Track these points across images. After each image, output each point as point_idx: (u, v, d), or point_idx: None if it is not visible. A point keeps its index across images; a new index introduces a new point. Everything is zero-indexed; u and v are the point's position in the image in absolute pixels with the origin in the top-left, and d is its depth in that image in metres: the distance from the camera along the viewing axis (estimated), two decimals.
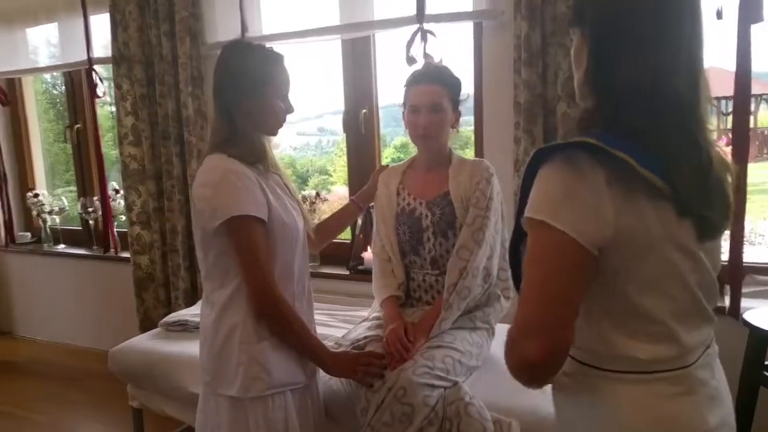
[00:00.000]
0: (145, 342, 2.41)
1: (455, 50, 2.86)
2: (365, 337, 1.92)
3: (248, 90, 1.60)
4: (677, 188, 0.92)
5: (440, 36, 2.70)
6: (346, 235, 3.24)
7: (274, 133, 1.74)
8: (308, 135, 4.22)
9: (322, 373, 1.77)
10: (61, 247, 4.13)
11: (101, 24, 3.57)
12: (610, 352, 1.00)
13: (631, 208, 0.92)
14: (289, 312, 1.61)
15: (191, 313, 2.58)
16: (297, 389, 1.68)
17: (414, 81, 1.92)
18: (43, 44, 4.13)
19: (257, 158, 1.65)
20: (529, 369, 0.93)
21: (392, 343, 1.81)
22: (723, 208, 1.00)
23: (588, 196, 0.91)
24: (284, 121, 1.71)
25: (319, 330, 2.37)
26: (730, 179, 1.02)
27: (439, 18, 2.72)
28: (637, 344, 0.98)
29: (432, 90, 1.88)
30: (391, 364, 1.77)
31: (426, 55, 2.73)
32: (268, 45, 3.14)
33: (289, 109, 1.69)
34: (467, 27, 2.81)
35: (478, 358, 1.91)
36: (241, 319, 1.60)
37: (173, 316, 2.57)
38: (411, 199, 2.01)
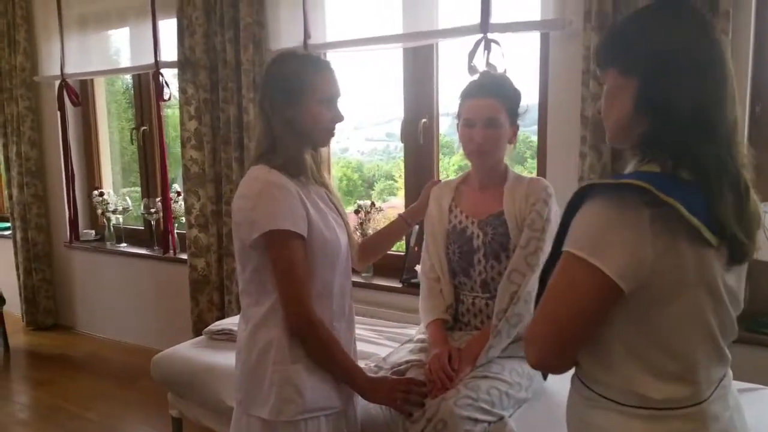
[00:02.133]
0: (187, 350, 2.40)
1: (521, 60, 2.74)
2: (407, 362, 1.82)
3: (287, 97, 1.54)
4: (721, 215, 0.95)
5: (505, 46, 2.58)
6: (400, 246, 3.17)
7: (322, 144, 1.67)
8: (376, 140, 4.20)
9: (361, 398, 1.69)
10: (123, 246, 4.24)
11: (170, 29, 3.63)
12: (625, 387, 1.02)
13: (671, 252, 0.95)
14: (325, 334, 1.54)
15: (236, 322, 2.54)
16: (332, 414, 1.60)
17: (469, 93, 1.81)
18: (115, 48, 4.25)
19: (299, 170, 1.58)
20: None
21: (435, 370, 1.71)
22: (754, 234, 1.03)
23: (629, 237, 0.94)
24: (332, 130, 1.63)
25: (364, 348, 2.31)
26: (758, 206, 1.05)
27: (504, 27, 2.61)
28: (652, 382, 1.00)
29: (488, 104, 1.77)
30: (433, 393, 1.67)
31: (488, 65, 2.62)
32: (330, 52, 3.21)
33: (336, 118, 1.61)
34: (534, 37, 2.68)
35: (527, 390, 1.78)
36: (275, 338, 1.53)
37: (218, 325, 2.55)
38: (463, 217, 1.90)
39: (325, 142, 1.67)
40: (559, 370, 1.10)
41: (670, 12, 1.03)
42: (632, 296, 0.96)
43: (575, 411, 1.15)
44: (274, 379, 1.53)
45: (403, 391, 1.64)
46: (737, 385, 1.88)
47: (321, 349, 1.54)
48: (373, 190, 4.02)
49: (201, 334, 2.62)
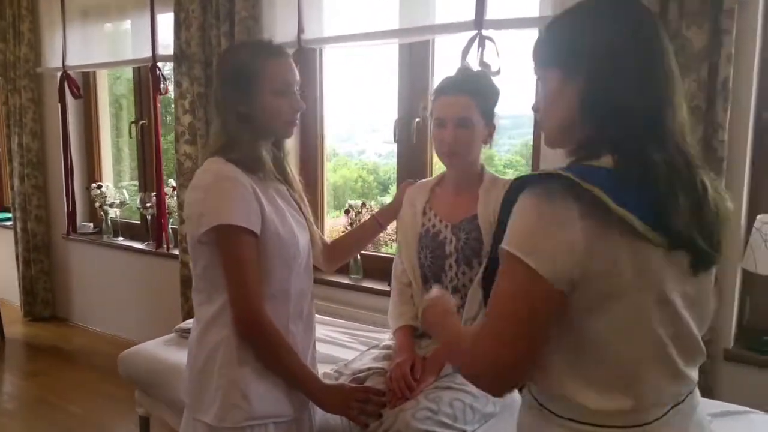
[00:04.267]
0: (154, 347, 2.34)
1: (517, 60, 2.65)
2: (368, 369, 1.75)
3: (239, 90, 1.47)
4: (671, 218, 0.89)
5: (503, 44, 2.49)
6: (392, 249, 3.09)
7: (283, 136, 1.59)
8: (393, 143, 4.17)
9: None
10: (119, 240, 4.21)
11: (169, 22, 3.59)
12: (562, 396, 0.97)
13: (604, 247, 0.89)
14: (275, 336, 1.46)
15: None
16: (282, 423, 1.52)
17: (441, 91, 1.72)
18: (116, 40, 4.23)
19: (257, 166, 1.50)
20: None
21: (395, 378, 1.63)
22: (716, 237, 0.96)
23: (560, 235, 0.89)
24: (292, 121, 1.54)
25: (334, 351, 2.23)
26: (725, 208, 0.99)
27: (499, 24, 2.52)
28: (587, 391, 0.94)
29: (459, 101, 1.68)
30: (392, 403, 1.58)
31: (482, 64, 2.53)
32: (327, 47, 3.14)
33: (295, 106, 1.52)
34: (532, 35, 2.58)
35: (495, 404, 1.69)
36: (224, 339, 1.46)
37: (189, 323, 2.47)
38: (437, 220, 1.81)
39: (287, 134, 1.59)
40: (516, 385, 1.05)
41: (611, 6, 0.98)
42: (569, 295, 0.91)
43: (521, 423, 1.09)
44: (220, 383, 1.45)
45: (360, 401, 1.55)
46: (737, 408, 1.78)
47: (269, 352, 1.47)
48: (387, 192, 3.95)
49: None
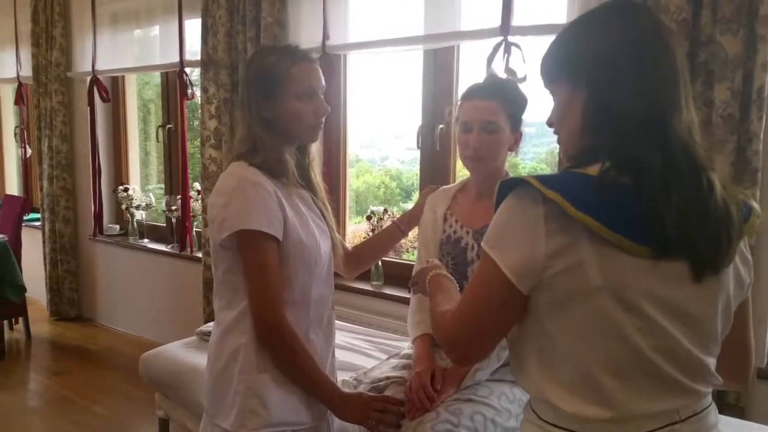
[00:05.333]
0: (175, 350, 2.34)
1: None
2: (388, 378, 1.71)
3: (264, 95, 1.46)
4: (659, 224, 0.88)
5: (529, 50, 2.46)
6: (414, 256, 3.06)
7: (308, 141, 1.57)
8: (416, 150, 4.17)
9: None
10: (144, 242, 4.26)
11: (197, 28, 3.62)
12: (541, 397, 0.99)
13: (568, 252, 0.91)
14: (295, 342, 1.44)
15: None
16: (300, 431, 1.50)
17: (468, 95, 1.70)
18: (144, 45, 4.28)
19: (280, 171, 1.49)
20: None
21: (415, 389, 1.59)
22: (723, 238, 0.92)
23: (523, 234, 0.93)
24: (317, 125, 1.52)
25: (354, 359, 2.21)
26: (738, 208, 0.95)
27: (526, 30, 2.49)
28: (560, 391, 0.95)
29: (487, 105, 1.65)
30: (411, 414, 1.55)
31: (507, 70, 2.50)
32: (351, 53, 3.14)
33: (320, 111, 1.51)
34: None
35: (517, 418, 1.64)
36: (244, 345, 1.45)
37: (209, 326, 2.48)
38: (458, 226, 1.78)
39: (312, 139, 1.57)
40: (465, 362, 1.26)
41: (614, 14, 0.98)
42: (533, 298, 0.95)
43: (520, 429, 1.10)
44: (239, 389, 1.44)
45: (379, 410, 1.53)
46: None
47: (289, 359, 1.45)
48: (410, 199, 3.94)
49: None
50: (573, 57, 0.99)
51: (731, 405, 2.05)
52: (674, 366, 0.94)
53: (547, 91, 1.07)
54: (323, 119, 1.54)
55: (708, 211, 0.91)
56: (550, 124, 1.08)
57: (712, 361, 0.98)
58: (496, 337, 1.02)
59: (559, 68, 1.02)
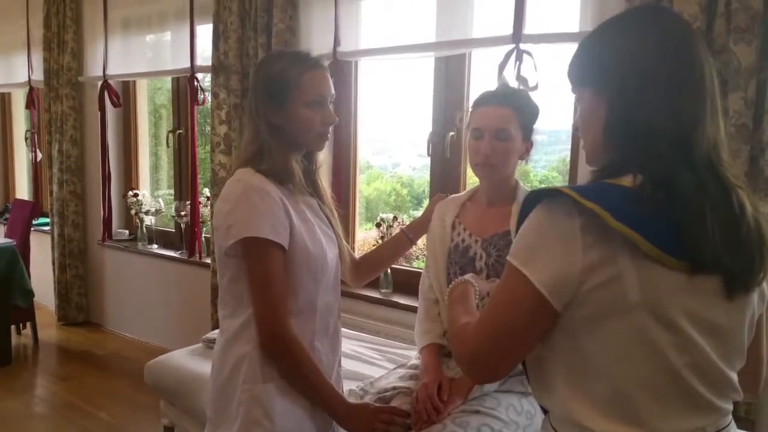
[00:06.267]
0: (180, 357, 2.33)
1: (556, 76, 2.60)
2: (394, 388, 1.69)
3: (272, 101, 1.45)
4: (695, 240, 0.86)
5: (541, 58, 2.44)
6: (422, 263, 3.04)
7: (315, 149, 1.56)
8: (427, 157, 4.17)
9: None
10: (153, 247, 4.26)
11: (208, 34, 3.63)
12: (570, 418, 0.95)
13: (606, 266, 0.87)
14: (300, 352, 1.42)
15: None
16: None
17: (480, 102, 1.69)
18: (155, 51, 4.30)
19: (287, 178, 1.48)
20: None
21: (422, 400, 1.57)
22: (757, 259, 0.91)
23: (557, 245, 0.89)
24: (325, 133, 1.52)
25: (360, 368, 2.19)
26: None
27: (538, 38, 2.48)
28: (591, 413, 0.92)
29: (499, 112, 1.64)
30: (417, 425, 1.53)
31: (519, 78, 2.48)
32: (363, 60, 3.13)
33: (327, 119, 1.50)
34: (571, 51, 2.52)
35: (526, 431, 1.62)
36: (248, 354, 1.43)
37: (216, 333, 2.46)
38: (467, 235, 1.76)
39: (319, 147, 1.56)
40: (483, 381, 1.25)
41: (639, 20, 0.96)
42: (566, 314, 0.91)
43: None
44: (242, 399, 1.42)
45: (385, 422, 1.50)
46: None
47: (293, 369, 1.43)
48: (421, 206, 3.93)
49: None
50: (596, 64, 0.97)
51: (741, 417, 2.02)
52: (704, 383, 0.92)
53: (574, 95, 1.05)
54: (331, 128, 1.53)
55: (740, 232, 0.90)
56: (575, 128, 1.07)
57: (735, 377, 0.97)
58: (519, 357, 0.99)
59: (583, 74, 1.01)
